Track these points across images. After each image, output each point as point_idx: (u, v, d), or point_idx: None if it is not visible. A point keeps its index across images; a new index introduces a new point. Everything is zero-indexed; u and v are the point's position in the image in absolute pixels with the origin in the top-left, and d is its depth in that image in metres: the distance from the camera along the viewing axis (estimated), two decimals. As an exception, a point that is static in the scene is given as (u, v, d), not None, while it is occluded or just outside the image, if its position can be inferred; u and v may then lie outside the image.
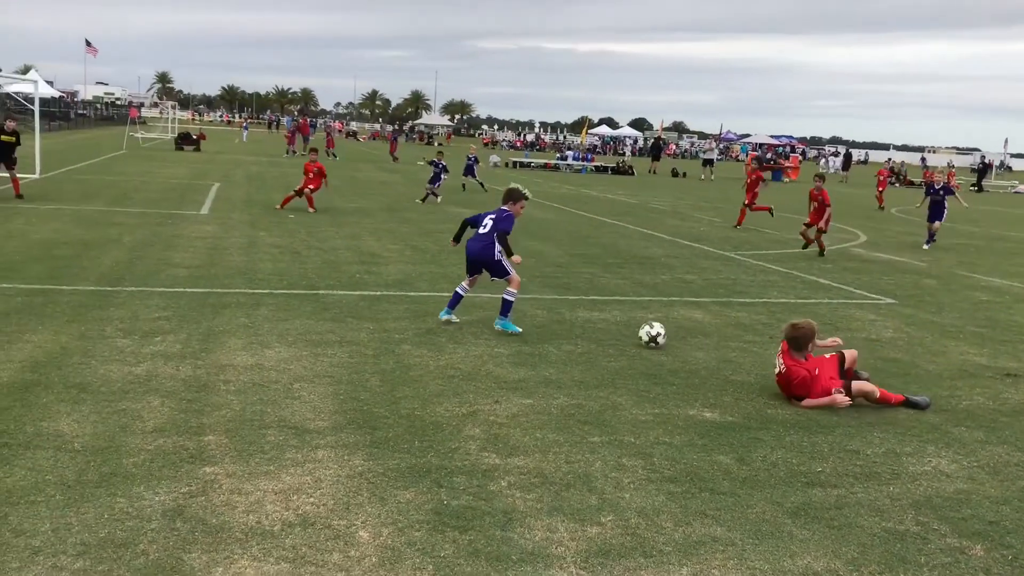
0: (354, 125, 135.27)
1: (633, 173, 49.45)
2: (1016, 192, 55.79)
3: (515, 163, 51.98)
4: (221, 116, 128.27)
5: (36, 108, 26.05)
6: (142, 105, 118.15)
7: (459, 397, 7.04)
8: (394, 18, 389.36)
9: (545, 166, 51.79)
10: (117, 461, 5.35)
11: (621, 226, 21.01)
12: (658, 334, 9.02)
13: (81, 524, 4.54)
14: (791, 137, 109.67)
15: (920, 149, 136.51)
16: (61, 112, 67.96)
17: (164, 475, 5.19)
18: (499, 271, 9.43)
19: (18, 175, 19.00)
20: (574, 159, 55.42)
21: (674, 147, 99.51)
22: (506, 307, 9.37)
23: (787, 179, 52.21)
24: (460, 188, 28.30)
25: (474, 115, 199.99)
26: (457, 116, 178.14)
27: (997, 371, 8.93)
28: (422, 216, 20.67)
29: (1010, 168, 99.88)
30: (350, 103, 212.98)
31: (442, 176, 24.78)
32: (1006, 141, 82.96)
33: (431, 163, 25.34)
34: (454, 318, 9.64)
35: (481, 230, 9.54)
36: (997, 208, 38.08)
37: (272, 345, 8.22)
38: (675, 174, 51.05)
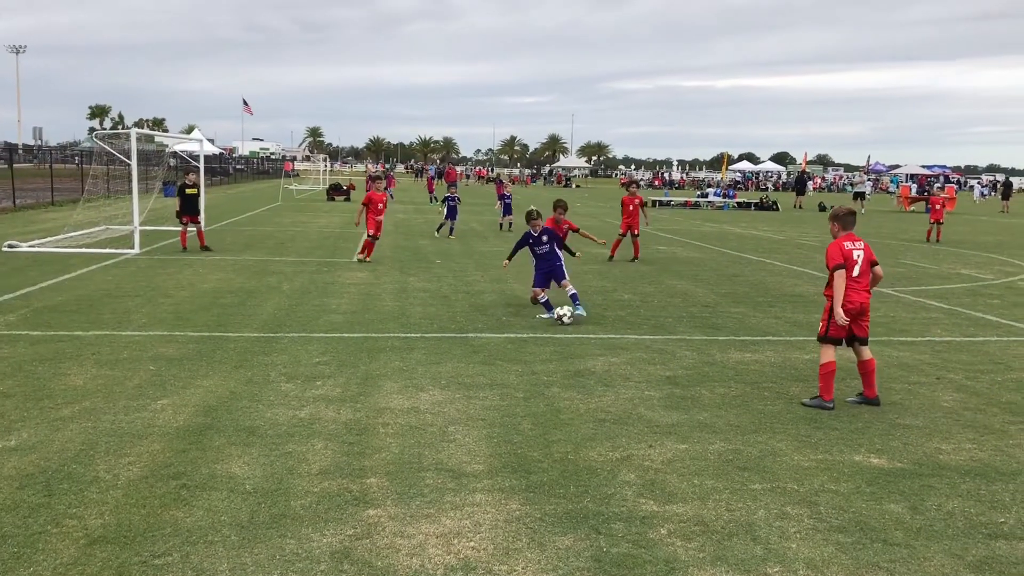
0: (506, 171, 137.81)
1: (777, 208, 48.28)
2: None
3: (654, 202, 51.64)
4: (376, 165, 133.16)
5: (201, 165, 27.76)
6: (295, 159, 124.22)
7: (612, 441, 6.98)
8: (531, 64, 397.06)
9: (685, 204, 51.24)
10: (286, 503, 5.56)
11: (769, 263, 20.48)
12: (564, 314, 11.71)
13: (255, 564, 4.73)
14: (944, 167, 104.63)
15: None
16: (221, 167, 72.27)
17: (330, 517, 5.36)
18: (561, 275, 12.58)
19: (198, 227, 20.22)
20: (715, 196, 54.61)
21: (819, 180, 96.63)
22: (575, 296, 12.38)
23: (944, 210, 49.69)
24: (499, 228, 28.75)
25: (611, 156, 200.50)
26: (594, 157, 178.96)
27: None
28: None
29: None
30: (489, 149, 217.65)
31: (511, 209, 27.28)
32: None
33: (444, 199, 26.37)
34: (565, 315, 11.79)
35: (541, 250, 12.41)
36: None
37: (426, 388, 8.40)
38: (822, 208, 49.51)
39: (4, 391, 7.85)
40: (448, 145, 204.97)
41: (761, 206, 49.05)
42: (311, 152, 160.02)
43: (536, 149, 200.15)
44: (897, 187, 67.02)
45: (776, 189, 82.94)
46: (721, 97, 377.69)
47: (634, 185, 22.60)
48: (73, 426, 6.94)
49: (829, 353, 8.22)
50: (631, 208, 20.45)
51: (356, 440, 6.82)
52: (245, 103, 77.18)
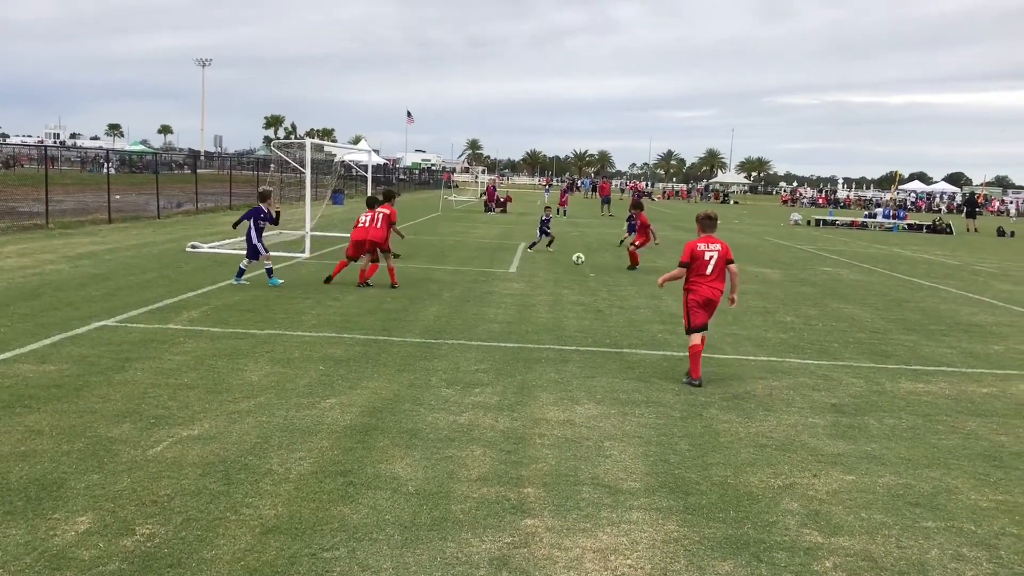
0: (660, 186, 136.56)
1: (951, 231, 45.70)
2: None
3: (818, 221, 49.90)
4: (541, 180, 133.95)
5: (369, 175, 28.87)
6: (454, 170, 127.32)
7: (773, 468, 6.78)
8: (693, 78, 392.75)
9: (851, 224, 49.23)
10: (446, 506, 5.69)
11: (942, 289, 19.40)
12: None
13: (417, 565, 4.86)
14: None
15: None
16: (385, 177, 74.93)
17: (489, 524, 5.45)
18: None
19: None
20: (884, 216, 52.22)
21: (997, 203, 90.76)
22: None
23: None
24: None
25: (771, 172, 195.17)
26: (753, 173, 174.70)
27: None
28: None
29: None
30: (645, 163, 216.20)
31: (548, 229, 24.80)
32: None
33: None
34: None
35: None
36: None
37: (581, 401, 8.42)
38: (1001, 233, 46.51)
39: (188, 383, 8.40)
40: (603, 159, 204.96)
41: (934, 228, 46.54)
42: (470, 164, 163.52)
43: (693, 164, 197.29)
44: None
45: (949, 211, 78.50)
46: (893, 113, 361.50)
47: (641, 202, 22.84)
48: (249, 419, 7.35)
49: (695, 338, 9.44)
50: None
51: (513, 449, 6.91)
52: (409, 114, 79.74)
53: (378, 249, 15.50)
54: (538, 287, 16.67)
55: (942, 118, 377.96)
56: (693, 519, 5.67)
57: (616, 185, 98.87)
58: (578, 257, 21.12)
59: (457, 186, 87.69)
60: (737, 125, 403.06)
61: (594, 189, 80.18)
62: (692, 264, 9.49)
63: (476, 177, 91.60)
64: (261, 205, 15.33)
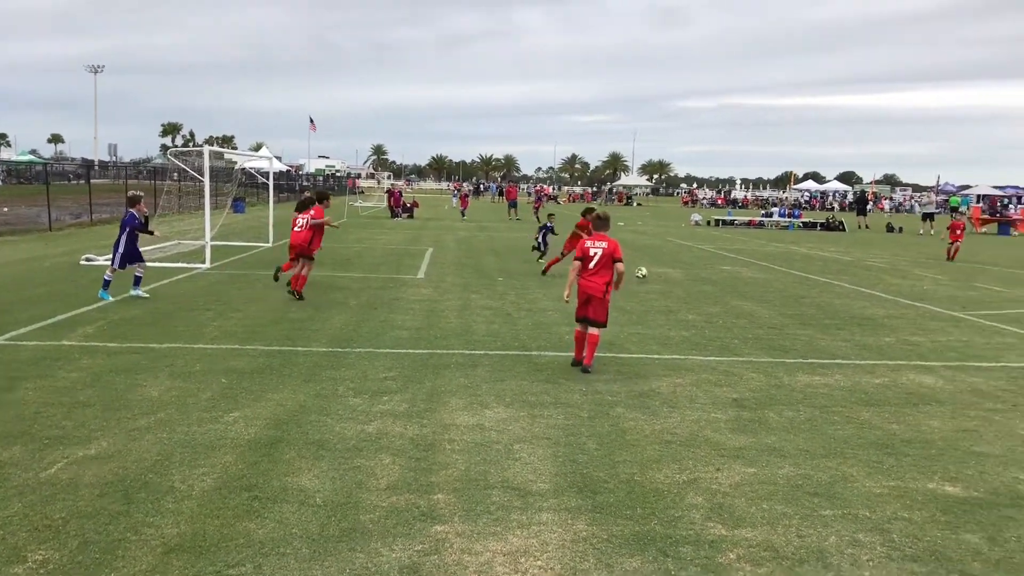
0: (565, 189, 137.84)
1: (844, 229, 47.49)
2: None
3: (717, 221, 51.20)
4: (451, 185, 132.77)
5: (271, 182, 28.34)
6: (359, 176, 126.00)
7: (678, 463, 6.93)
8: (594, 83, 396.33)
9: (749, 223, 50.67)
10: (355, 517, 5.64)
11: (836, 285, 20.14)
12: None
13: (327, 576, 4.80)
14: (1018, 187, 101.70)
15: None
16: (288, 184, 73.67)
17: (398, 532, 5.42)
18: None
19: (256, 244, 20.69)
20: (780, 215, 53.91)
21: (886, 201, 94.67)
22: None
23: (1016, 232, 48.41)
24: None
25: (673, 174, 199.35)
26: (655, 176, 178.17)
27: None
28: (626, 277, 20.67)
29: None
30: (550, 167, 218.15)
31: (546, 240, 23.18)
32: None
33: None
34: None
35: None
36: None
37: (491, 405, 8.44)
38: (890, 229, 48.56)
39: (84, 401, 8.10)
40: (509, 163, 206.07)
41: (827, 226, 48.28)
42: (375, 170, 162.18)
43: (597, 167, 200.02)
44: (968, 207, 65.35)
45: (842, 209, 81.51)
46: (786, 115, 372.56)
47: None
48: (149, 436, 7.13)
49: (579, 326, 10.32)
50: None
51: (423, 456, 6.88)
52: (311, 121, 78.65)
53: (300, 254, 15.23)
54: (447, 292, 16.64)
55: (834, 119, 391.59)
56: (601, 517, 5.75)
57: (525, 188, 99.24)
58: (640, 272, 19.78)
59: (363, 192, 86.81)
60: (639, 129, 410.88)
61: (501, 193, 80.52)
62: (583, 260, 10.15)
63: (380, 183, 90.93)
64: (132, 211, 14.71)
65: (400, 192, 54.12)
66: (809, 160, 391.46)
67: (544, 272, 20.15)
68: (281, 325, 12.40)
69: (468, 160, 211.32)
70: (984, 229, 49.73)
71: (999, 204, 71.87)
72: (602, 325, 10.16)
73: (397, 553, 5.12)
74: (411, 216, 46.98)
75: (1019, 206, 72.59)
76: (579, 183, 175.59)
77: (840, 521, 5.84)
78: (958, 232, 29.19)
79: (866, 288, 19.54)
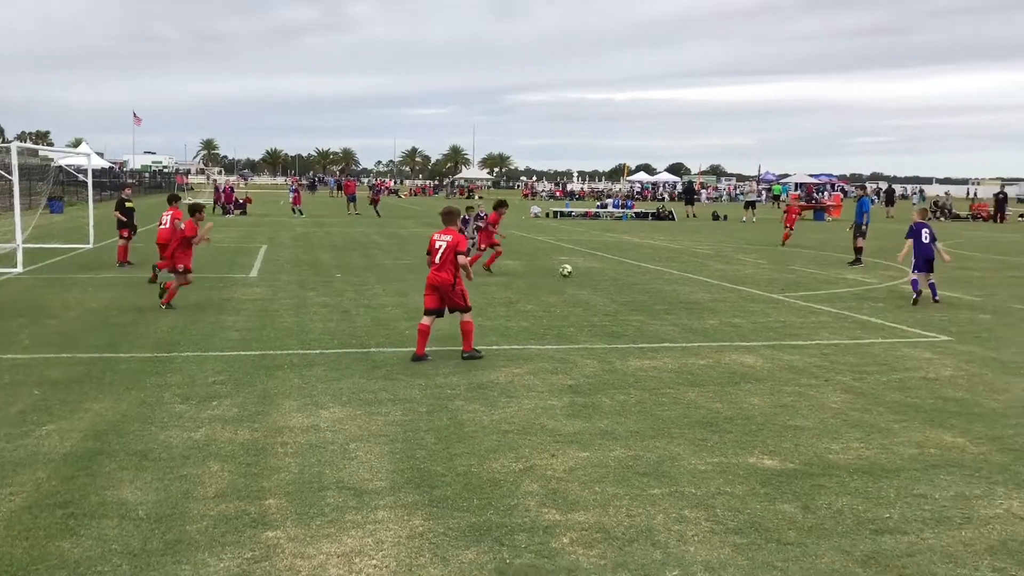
0: (407, 183, 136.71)
1: (674, 218, 49.41)
2: (1067, 221, 54.56)
3: (555, 213, 52.20)
4: (288, 180, 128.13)
5: (89, 179, 26.78)
6: (189, 172, 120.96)
7: (515, 452, 7.02)
8: (432, 76, 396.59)
9: (586, 215, 51.94)
10: (181, 528, 5.40)
11: (666, 272, 20.94)
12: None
13: (149, 593, 4.57)
14: (831, 176, 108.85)
15: (964, 182, 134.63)
16: (111, 182, 69.83)
17: (227, 541, 5.22)
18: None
19: (75, 246, 19.54)
20: (614, 206, 55.53)
21: (712, 190, 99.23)
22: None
23: (829, 217, 51.77)
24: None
25: (512, 167, 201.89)
26: (496, 169, 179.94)
27: (1064, 407, 8.68)
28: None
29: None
30: (390, 161, 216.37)
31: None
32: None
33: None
34: None
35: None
36: (1049, 238, 37.28)
37: (327, 405, 8.28)
38: (716, 217, 50.89)
39: None
40: (348, 157, 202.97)
41: (658, 216, 50.10)
42: (206, 165, 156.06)
43: (438, 160, 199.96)
44: (786, 194, 69.32)
45: (672, 199, 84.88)
46: (621, 110, 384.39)
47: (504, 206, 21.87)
48: (-50, 456, 6.59)
49: (424, 319, 10.46)
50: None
51: (254, 461, 6.67)
52: (135, 115, 74.87)
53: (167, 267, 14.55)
54: (281, 291, 16.21)
55: (664, 113, 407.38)
56: (438, 511, 5.75)
57: (366, 182, 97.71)
58: (564, 268, 19.56)
59: (192, 188, 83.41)
60: (479, 122, 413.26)
61: (339, 188, 79.20)
62: (430, 254, 10.51)
63: (211, 179, 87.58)
64: None
65: (232, 188, 52.30)
66: (641, 152, 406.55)
67: (487, 267, 19.89)
68: (102, 331, 11.73)
69: (304, 154, 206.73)
70: (801, 216, 52.86)
71: (815, 191, 76.66)
72: (466, 310, 10.49)
73: (226, 562, 4.93)
74: (244, 212, 45.51)
75: (832, 193, 77.71)
76: (420, 176, 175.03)
77: (668, 499, 6.06)
78: (793, 217, 31.07)
79: (693, 274, 20.40)
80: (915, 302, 15.53)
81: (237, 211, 45.71)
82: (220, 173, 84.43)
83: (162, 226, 14.93)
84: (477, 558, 5.05)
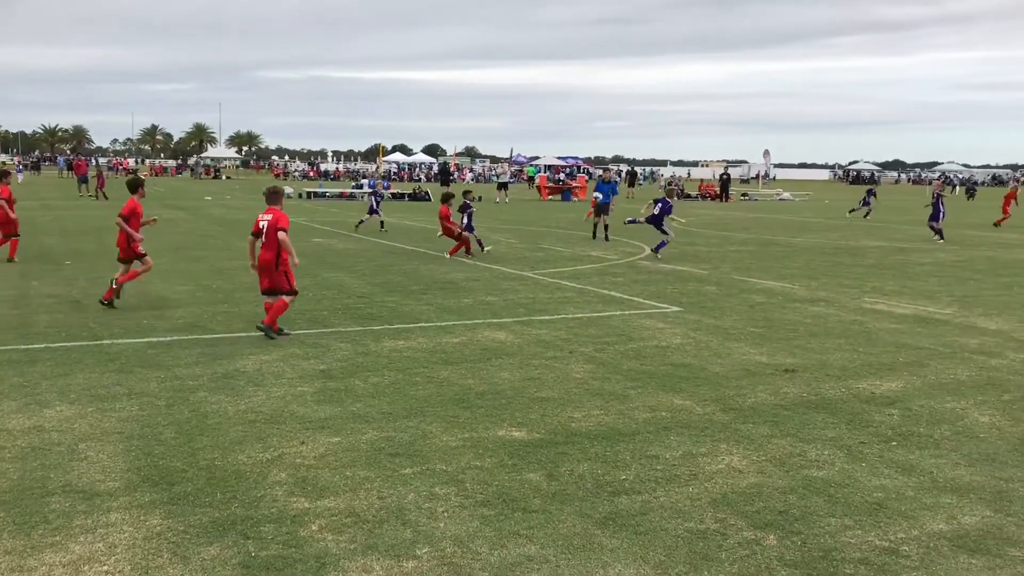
0: (148, 163, 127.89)
1: (430, 199, 49.79)
2: (781, 199, 60.55)
3: (310, 193, 51.07)
4: (14, 159, 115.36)
5: None
6: None
7: (262, 442, 6.79)
8: (171, 49, 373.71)
9: (341, 195, 51.20)
10: None
11: (422, 252, 21.07)
12: None
13: None
14: (576, 158, 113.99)
15: (695, 164, 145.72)
16: None
17: (-71, 561, 4.68)
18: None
19: None
20: (370, 187, 55.11)
21: (468, 171, 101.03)
22: None
23: (576, 198, 54.21)
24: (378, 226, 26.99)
25: (263, 146, 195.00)
26: (244, 148, 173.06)
27: (776, 368, 9.62)
28: (214, 254, 19.88)
29: (774, 177, 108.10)
30: (128, 139, 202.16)
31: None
32: (766, 152, 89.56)
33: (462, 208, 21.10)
34: None
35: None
36: (764, 215, 41.19)
37: (52, 404, 7.62)
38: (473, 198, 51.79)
39: None
40: (80, 134, 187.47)
41: (414, 196, 50.33)
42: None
43: (181, 139, 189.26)
44: (536, 178, 71.80)
45: (428, 180, 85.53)
46: (373, 89, 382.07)
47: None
48: None
49: (267, 300, 10.80)
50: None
51: (-36, 470, 6.01)
52: None
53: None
54: (-1, 281, 14.71)
55: (419, 94, 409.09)
56: (178, 509, 5.45)
57: (94, 162, 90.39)
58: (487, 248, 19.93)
59: None
60: (224, 99, 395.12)
61: (70, 168, 73.05)
62: (255, 235, 10.71)
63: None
64: None
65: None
66: (397, 133, 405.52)
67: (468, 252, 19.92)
68: None
69: (29, 131, 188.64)
70: (551, 197, 54.96)
71: (562, 173, 79.99)
72: (289, 293, 10.75)
73: (-73, 586, 4.42)
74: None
75: (578, 175, 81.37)
76: (162, 156, 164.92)
77: (419, 478, 6.11)
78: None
79: (447, 254, 20.65)
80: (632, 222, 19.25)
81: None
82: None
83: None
84: (220, 554, 4.84)
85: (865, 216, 37.60)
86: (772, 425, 7.54)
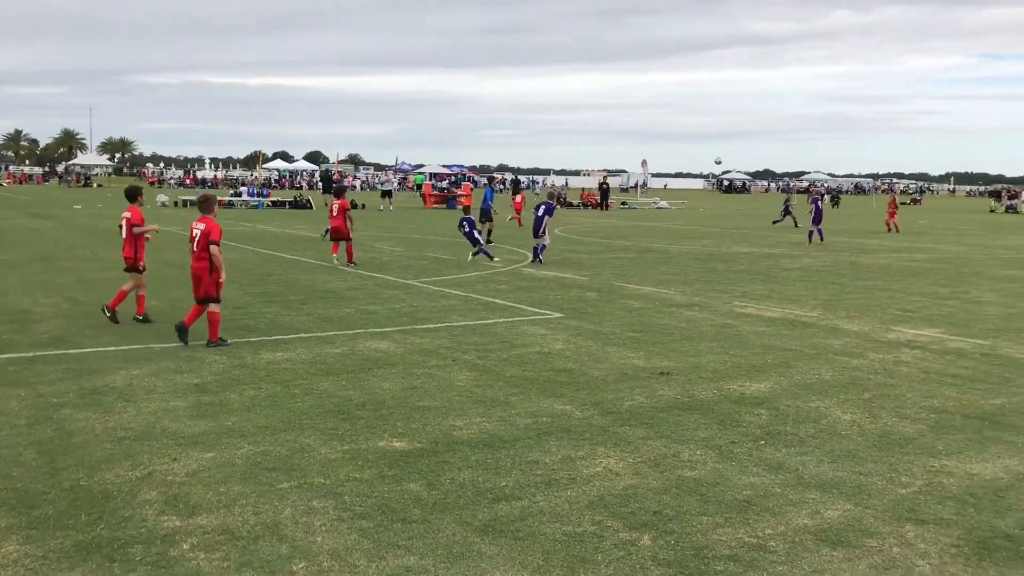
0: (13, 169, 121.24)
1: (311, 207, 49.00)
2: (658, 208, 62.18)
3: (185, 202, 49.47)
4: None
5: None
6: None
7: (132, 459, 6.54)
8: (37, 52, 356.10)
9: (219, 203, 49.83)
10: None
11: (302, 261, 20.72)
12: None
13: None
14: (462, 166, 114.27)
15: (577, 173, 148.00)
16: None
17: None
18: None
19: None
20: (249, 195, 53.83)
21: (351, 179, 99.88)
22: None
23: (460, 207, 54.31)
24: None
25: (137, 152, 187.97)
26: (118, 155, 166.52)
27: (652, 371, 9.87)
28: (82, 264, 19.04)
29: (651, 186, 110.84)
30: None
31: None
32: (644, 162, 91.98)
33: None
34: None
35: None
36: (642, 223, 42.19)
37: (-102, 427, 7.15)
38: (354, 206, 51.09)
39: None
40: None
41: (295, 204, 49.42)
42: None
43: (49, 145, 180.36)
44: (422, 186, 71.52)
45: (311, 188, 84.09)
46: (253, 95, 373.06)
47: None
48: None
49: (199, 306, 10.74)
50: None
51: None
52: None
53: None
54: None
55: (301, 100, 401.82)
56: (38, 533, 5.20)
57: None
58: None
59: None
60: (95, 104, 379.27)
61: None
62: (191, 242, 10.70)
63: None
64: None
65: None
66: (278, 140, 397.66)
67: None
68: None
69: None
70: (435, 205, 54.88)
71: (446, 181, 79.96)
72: (215, 301, 10.63)
73: None
74: None
75: (464, 182, 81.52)
76: (27, 162, 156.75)
77: (296, 492, 6.00)
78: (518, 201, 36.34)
79: (328, 262, 20.37)
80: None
81: None
82: None
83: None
84: (84, 579, 4.64)
85: (796, 226, 37.23)
86: (648, 427, 7.73)
